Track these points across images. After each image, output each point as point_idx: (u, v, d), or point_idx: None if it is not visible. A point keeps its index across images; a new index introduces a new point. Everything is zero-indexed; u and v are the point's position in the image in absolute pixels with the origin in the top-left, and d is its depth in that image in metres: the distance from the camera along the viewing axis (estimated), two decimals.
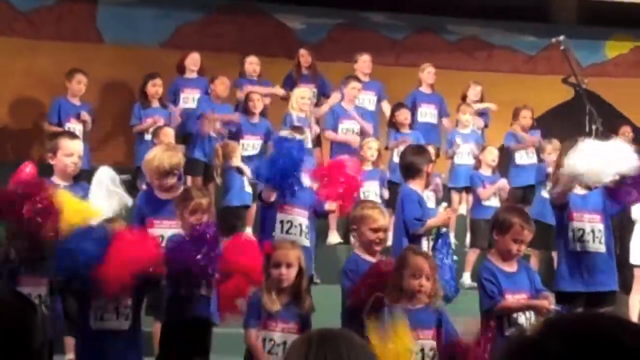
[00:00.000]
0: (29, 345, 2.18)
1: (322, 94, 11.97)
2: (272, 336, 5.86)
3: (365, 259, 6.38)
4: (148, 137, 10.88)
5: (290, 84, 11.77)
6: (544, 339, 1.49)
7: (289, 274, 5.90)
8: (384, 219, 6.55)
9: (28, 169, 6.59)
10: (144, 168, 7.31)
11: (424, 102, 12.04)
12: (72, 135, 7.19)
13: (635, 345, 1.45)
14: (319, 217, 7.52)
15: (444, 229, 7.09)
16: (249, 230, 10.25)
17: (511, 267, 6.30)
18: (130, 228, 6.26)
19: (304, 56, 12.08)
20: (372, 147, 10.58)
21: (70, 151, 6.73)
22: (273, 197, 7.01)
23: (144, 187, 8.87)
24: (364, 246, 6.46)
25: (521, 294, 6.23)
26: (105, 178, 6.59)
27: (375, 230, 6.42)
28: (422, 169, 7.23)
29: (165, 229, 6.65)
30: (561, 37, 9.55)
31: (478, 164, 10.88)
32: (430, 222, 7.05)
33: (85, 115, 10.86)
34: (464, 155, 11.43)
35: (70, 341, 7.08)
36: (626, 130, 11.78)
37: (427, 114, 12.00)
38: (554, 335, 1.49)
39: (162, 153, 7.13)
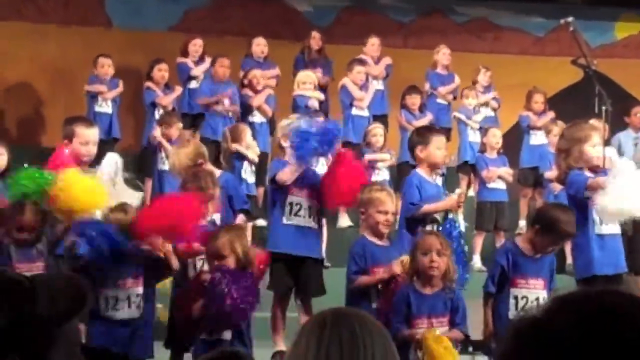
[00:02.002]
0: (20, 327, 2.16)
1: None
2: None
3: (373, 242, 6.42)
4: (157, 114, 11.09)
5: (301, 67, 11.78)
6: (553, 317, 1.46)
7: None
8: (392, 202, 6.55)
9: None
10: (176, 174, 7.46)
11: (439, 84, 12.05)
12: (88, 122, 7.15)
13: None
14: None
15: (450, 215, 6.95)
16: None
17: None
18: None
19: (315, 39, 12.07)
20: (376, 134, 10.53)
21: (86, 139, 6.73)
22: (290, 181, 6.94)
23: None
24: (372, 229, 6.47)
25: (538, 280, 6.30)
26: (112, 166, 6.57)
27: (384, 213, 6.43)
28: None
29: None
30: (570, 19, 9.48)
31: (482, 146, 10.88)
32: (429, 207, 6.82)
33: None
34: (475, 133, 11.45)
35: (82, 328, 7.09)
36: (638, 111, 11.73)
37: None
38: (564, 313, 1.45)
39: (177, 152, 7.36)
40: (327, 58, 12.15)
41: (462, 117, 11.62)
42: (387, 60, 11.96)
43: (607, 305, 1.45)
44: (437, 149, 6.99)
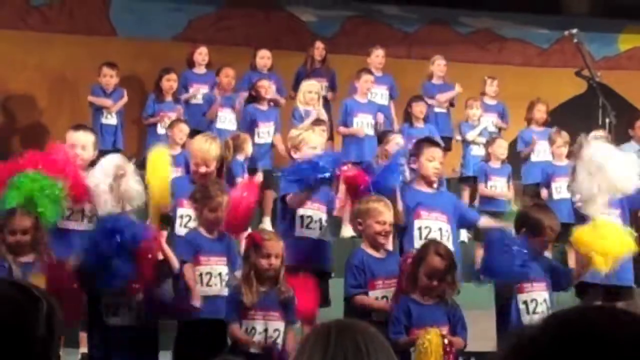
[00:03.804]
0: (31, 335, 2.15)
1: (331, 89, 11.97)
2: (254, 324, 5.97)
3: (370, 254, 6.42)
4: (162, 130, 10.99)
5: (303, 78, 11.73)
6: (540, 333, 1.49)
7: (276, 264, 6.03)
8: (389, 212, 6.52)
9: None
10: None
11: (435, 94, 12.01)
12: (76, 127, 7.15)
13: (628, 339, 1.45)
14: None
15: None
16: (267, 220, 10.25)
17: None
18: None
19: (319, 49, 12.03)
20: (399, 143, 10.50)
21: (72, 142, 6.71)
22: (299, 207, 6.89)
23: None
24: (370, 240, 6.46)
25: (541, 282, 6.35)
26: (109, 166, 6.47)
27: (382, 223, 6.43)
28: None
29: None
30: (574, 30, 9.53)
31: (487, 156, 10.88)
32: None
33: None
34: (480, 147, 11.43)
35: (84, 335, 7.10)
36: None
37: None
38: (548, 329, 1.49)
39: (202, 141, 7.30)
40: (329, 69, 12.09)
41: (462, 137, 11.60)
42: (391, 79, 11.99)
43: (590, 324, 1.48)
44: (428, 160, 6.96)
